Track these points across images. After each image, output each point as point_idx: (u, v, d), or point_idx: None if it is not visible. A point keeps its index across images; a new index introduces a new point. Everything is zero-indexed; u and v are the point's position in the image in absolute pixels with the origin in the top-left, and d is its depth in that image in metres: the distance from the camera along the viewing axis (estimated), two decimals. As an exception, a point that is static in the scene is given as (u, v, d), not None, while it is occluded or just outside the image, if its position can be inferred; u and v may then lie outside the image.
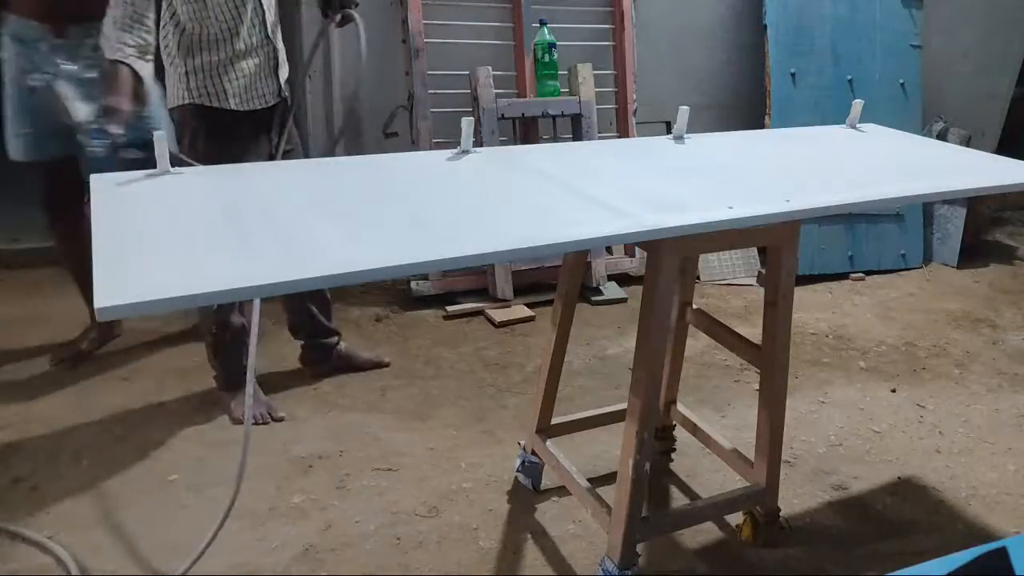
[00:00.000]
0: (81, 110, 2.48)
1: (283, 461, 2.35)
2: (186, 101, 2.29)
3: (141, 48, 2.16)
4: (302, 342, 2.86)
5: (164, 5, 2.24)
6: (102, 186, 1.51)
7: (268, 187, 1.61)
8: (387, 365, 2.94)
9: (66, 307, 3.17)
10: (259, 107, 2.40)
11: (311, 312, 2.77)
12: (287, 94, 2.50)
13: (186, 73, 2.27)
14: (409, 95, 3.51)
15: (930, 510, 2.29)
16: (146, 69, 2.18)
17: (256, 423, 2.51)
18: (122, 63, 2.11)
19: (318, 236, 1.35)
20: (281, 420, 2.55)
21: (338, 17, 2.40)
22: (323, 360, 2.83)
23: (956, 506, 2.30)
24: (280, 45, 2.46)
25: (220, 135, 2.33)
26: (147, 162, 1.57)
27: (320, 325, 2.80)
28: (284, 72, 2.49)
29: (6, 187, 2.53)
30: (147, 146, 1.61)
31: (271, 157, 2.43)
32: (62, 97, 2.51)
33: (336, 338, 2.88)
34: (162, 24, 2.28)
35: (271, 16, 2.40)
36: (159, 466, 2.30)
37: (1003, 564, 1.03)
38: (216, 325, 2.51)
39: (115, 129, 2.06)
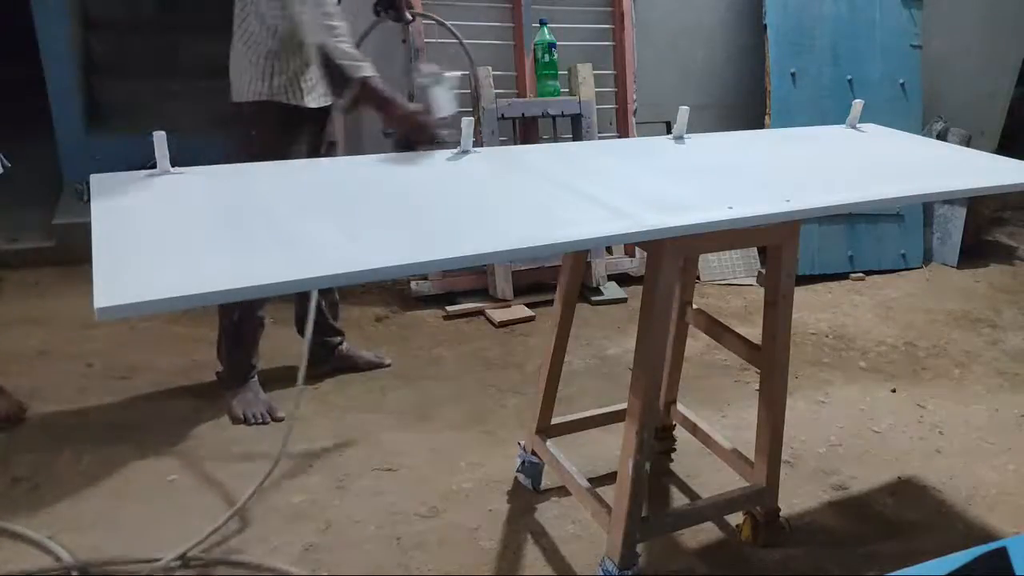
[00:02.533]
0: None
1: (283, 461, 2.35)
2: (264, 97, 2.36)
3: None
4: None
5: (252, 9, 2.32)
6: (102, 186, 1.51)
7: (268, 187, 1.61)
8: (388, 365, 2.94)
9: (66, 307, 3.17)
10: (322, 104, 2.49)
11: (320, 310, 2.77)
12: None
13: (271, 73, 2.33)
14: (409, 95, 3.50)
15: (930, 510, 2.29)
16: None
17: (256, 423, 2.52)
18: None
19: (318, 236, 1.35)
20: (281, 420, 2.55)
21: (408, 17, 2.47)
22: (325, 359, 2.83)
23: (956, 506, 2.30)
24: None
25: (290, 130, 2.43)
26: None
27: (326, 324, 2.81)
28: None
29: (6, 187, 2.52)
30: None
31: (317, 151, 2.54)
32: None
33: (340, 338, 2.88)
34: (238, 24, 2.36)
35: None
36: (159, 466, 2.30)
37: (1003, 564, 1.03)
38: (241, 312, 2.52)
39: None
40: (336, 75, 2.09)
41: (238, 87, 2.41)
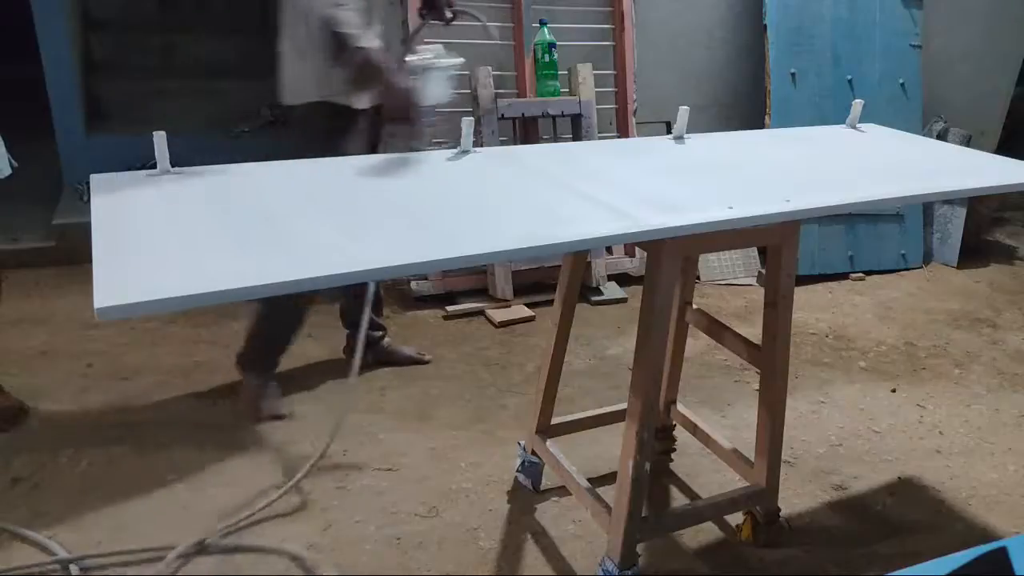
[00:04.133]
0: None
1: (283, 461, 2.35)
2: (316, 98, 2.35)
3: None
4: (348, 332, 2.90)
5: (296, 12, 2.28)
6: (102, 186, 1.51)
7: (268, 187, 1.61)
8: (428, 362, 2.97)
9: (66, 307, 3.17)
10: (375, 103, 2.46)
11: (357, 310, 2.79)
12: None
13: (327, 75, 2.29)
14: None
15: (930, 510, 2.29)
16: None
17: (263, 418, 2.53)
18: None
19: (318, 236, 1.35)
20: (282, 418, 2.55)
21: (449, 15, 2.45)
22: (366, 353, 2.84)
23: (956, 506, 2.30)
24: None
25: (346, 130, 2.41)
26: None
27: (369, 318, 2.81)
28: None
29: (7, 187, 2.52)
30: None
31: (375, 148, 2.52)
32: None
33: (382, 332, 2.92)
34: (285, 28, 2.33)
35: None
36: (159, 466, 2.30)
37: (1003, 564, 1.03)
38: (291, 299, 2.48)
39: None
40: (337, 46, 2.07)
41: (290, 90, 2.41)
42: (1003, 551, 1.04)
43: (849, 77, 4.08)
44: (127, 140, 3.92)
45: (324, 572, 1.93)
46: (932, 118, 4.42)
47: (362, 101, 2.37)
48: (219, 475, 2.26)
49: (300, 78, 2.35)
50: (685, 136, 2.15)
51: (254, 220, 1.41)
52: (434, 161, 1.86)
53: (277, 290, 1.18)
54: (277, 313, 2.55)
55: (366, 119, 2.45)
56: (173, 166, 1.60)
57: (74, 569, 1.88)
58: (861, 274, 4.06)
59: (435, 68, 1.98)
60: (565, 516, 2.16)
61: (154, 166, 1.58)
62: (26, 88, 4.35)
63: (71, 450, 2.34)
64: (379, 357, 2.91)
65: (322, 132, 2.36)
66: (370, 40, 2.06)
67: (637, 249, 3.75)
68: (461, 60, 2.05)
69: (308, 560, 1.96)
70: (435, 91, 1.98)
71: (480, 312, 3.42)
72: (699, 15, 4.14)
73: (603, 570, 1.82)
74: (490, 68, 3.47)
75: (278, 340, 2.63)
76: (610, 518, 1.83)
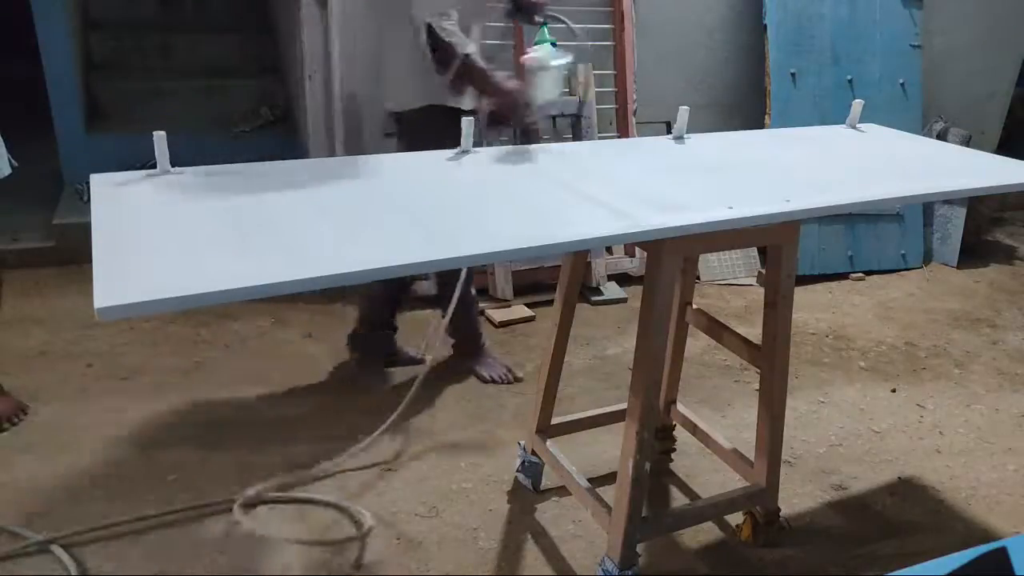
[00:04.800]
0: None
1: (283, 460, 2.35)
2: (425, 102, 2.43)
3: None
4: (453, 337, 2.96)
5: (402, 17, 2.32)
6: (102, 186, 1.51)
7: (268, 187, 1.61)
8: (421, 362, 2.88)
9: (66, 307, 3.17)
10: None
11: (396, 299, 2.87)
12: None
13: (430, 80, 2.35)
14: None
15: (930, 510, 2.29)
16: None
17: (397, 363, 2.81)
18: None
19: (318, 236, 1.35)
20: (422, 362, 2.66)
21: (538, 19, 2.49)
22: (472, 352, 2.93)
23: (956, 506, 2.30)
24: None
25: (449, 130, 2.42)
26: None
27: (469, 322, 2.90)
28: None
29: (7, 187, 2.52)
30: None
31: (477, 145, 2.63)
32: None
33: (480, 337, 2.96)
34: (388, 33, 2.41)
35: None
36: (159, 466, 2.30)
37: (1003, 564, 1.03)
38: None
39: None
40: (441, 52, 2.18)
41: (397, 96, 2.48)
42: (1003, 551, 1.04)
43: (849, 77, 4.08)
44: (127, 140, 3.92)
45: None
46: (932, 118, 4.42)
47: (467, 102, 2.44)
48: (219, 475, 2.26)
49: (405, 85, 2.43)
50: (685, 136, 2.15)
51: (254, 220, 1.41)
52: (434, 161, 1.86)
53: (277, 290, 1.18)
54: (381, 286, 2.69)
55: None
56: (173, 166, 1.60)
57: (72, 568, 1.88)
58: (861, 274, 4.06)
59: (549, 67, 2.11)
60: (565, 516, 2.16)
61: (154, 166, 1.58)
62: (26, 88, 4.35)
63: (71, 450, 2.34)
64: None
65: (432, 134, 2.38)
66: (471, 48, 2.17)
67: (637, 249, 3.75)
68: (571, 58, 2.17)
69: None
70: (550, 89, 2.13)
71: (480, 312, 3.42)
72: (699, 15, 4.14)
73: (603, 570, 1.82)
74: (490, 68, 3.47)
75: (384, 303, 2.78)
76: (610, 518, 1.83)
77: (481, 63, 2.17)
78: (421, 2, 2.22)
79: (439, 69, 2.22)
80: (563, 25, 2.42)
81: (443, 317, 2.55)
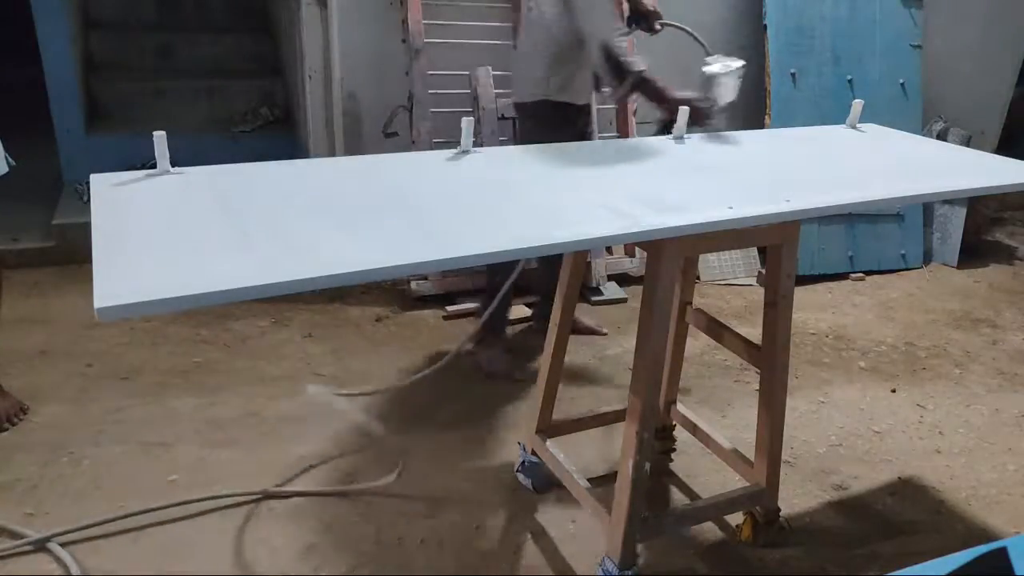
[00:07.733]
0: None
1: (283, 461, 2.35)
2: (541, 97, 2.67)
3: None
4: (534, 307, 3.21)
5: (538, 20, 2.59)
6: (102, 186, 1.51)
7: (268, 187, 1.61)
8: (605, 334, 3.22)
9: (66, 307, 3.17)
10: (587, 101, 2.81)
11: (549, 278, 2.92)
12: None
13: (548, 77, 2.63)
14: (409, 95, 3.51)
15: (930, 510, 2.29)
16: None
17: (501, 374, 2.89)
18: None
19: (318, 236, 1.35)
20: (519, 380, 2.81)
21: (657, 28, 2.77)
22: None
23: (956, 506, 2.30)
24: None
25: (563, 124, 2.71)
26: None
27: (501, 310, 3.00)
28: None
29: (7, 187, 2.52)
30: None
31: (583, 139, 2.84)
32: None
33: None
34: (524, 33, 2.68)
35: None
36: (159, 466, 2.30)
37: (1003, 564, 1.03)
38: (504, 277, 2.79)
39: None
40: (615, 68, 2.35)
41: (521, 89, 2.76)
42: (1003, 551, 1.04)
43: (849, 77, 4.08)
44: (127, 140, 3.93)
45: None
46: (932, 118, 4.42)
47: (581, 98, 2.72)
48: (218, 475, 2.26)
49: (533, 79, 2.67)
50: (685, 136, 2.16)
51: (254, 220, 1.41)
52: (434, 161, 1.86)
53: (277, 290, 1.18)
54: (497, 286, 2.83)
55: (580, 113, 2.79)
56: (173, 166, 1.60)
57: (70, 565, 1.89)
58: (861, 274, 4.06)
59: (729, 74, 2.32)
60: (565, 516, 2.16)
61: (154, 166, 1.58)
62: (26, 88, 4.35)
63: (71, 450, 2.35)
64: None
65: (547, 123, 2.70)
66: (643, 64, 2.35)
67: (637, 249, 3.75)
68: (744, 63, 2.36)
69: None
70: (729, 93, 2.33)
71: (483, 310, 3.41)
72: (699, 15, 4.13)
73: (603, 570, 1.82)
74: (490, 68, 3.47)
75: (502, 305, 2.89)
76: (610, 518, 1.83)
77: (654, 78, 2.35)
78: (590, 17, 2.41)
79: (612, 83, 2.40)
80: (684, 32, 2.69)
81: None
